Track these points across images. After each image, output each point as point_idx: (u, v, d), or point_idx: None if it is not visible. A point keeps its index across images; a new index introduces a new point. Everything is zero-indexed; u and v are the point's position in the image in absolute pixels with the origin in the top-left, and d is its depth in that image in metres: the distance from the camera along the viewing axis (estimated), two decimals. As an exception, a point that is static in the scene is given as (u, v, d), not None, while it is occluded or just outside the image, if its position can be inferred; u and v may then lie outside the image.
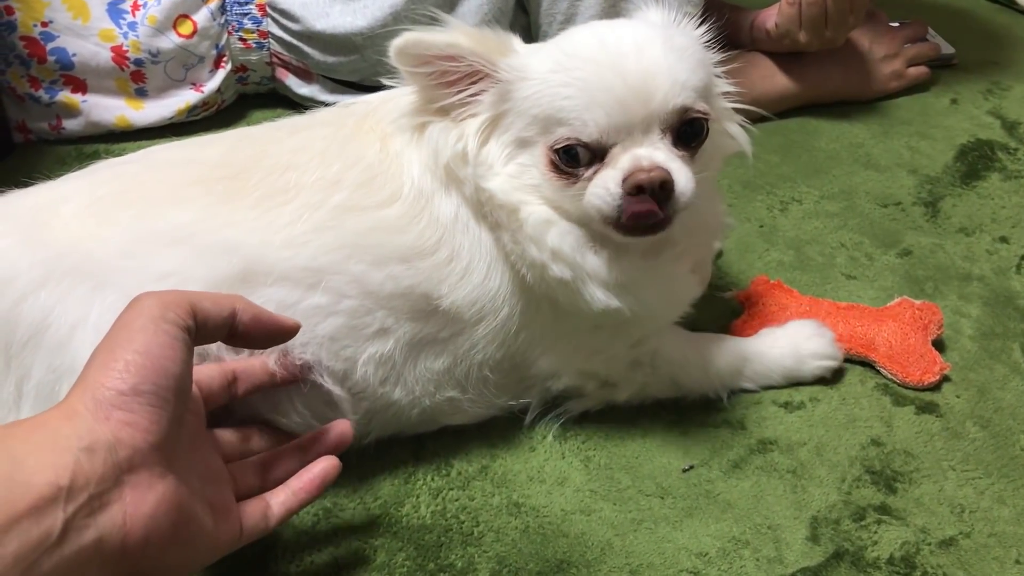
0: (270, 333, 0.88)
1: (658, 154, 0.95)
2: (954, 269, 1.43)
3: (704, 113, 0.98)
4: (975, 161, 1.71)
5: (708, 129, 1.00)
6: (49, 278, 0.93)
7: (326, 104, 1.65)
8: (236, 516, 0.86)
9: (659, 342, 1.14)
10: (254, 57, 1.69)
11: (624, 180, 0.94)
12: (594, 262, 1.00)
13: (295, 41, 1.66)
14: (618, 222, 0.96)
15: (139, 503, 0.73)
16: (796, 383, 1.21)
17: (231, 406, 0.96)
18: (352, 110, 1.13)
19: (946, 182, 1.65)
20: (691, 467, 1.11)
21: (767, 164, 1.67)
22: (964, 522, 1.05)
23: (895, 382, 1.22)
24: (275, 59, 1.70)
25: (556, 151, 0.96)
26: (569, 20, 1.61)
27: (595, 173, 0.97)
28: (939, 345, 1.27)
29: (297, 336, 0.93)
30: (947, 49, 2.00)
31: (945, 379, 1.22)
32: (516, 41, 1.02)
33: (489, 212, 1.01)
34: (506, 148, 0.99)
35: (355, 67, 1.67)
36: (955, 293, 1.38)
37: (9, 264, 0.94)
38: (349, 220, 0.99)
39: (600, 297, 1.00)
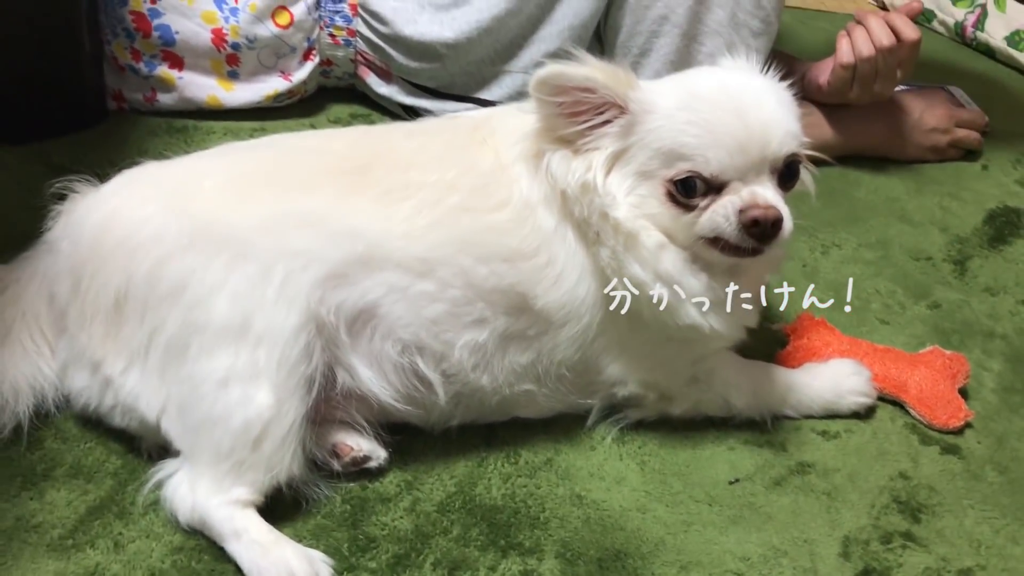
0: None
1: (770, 194, 1.07)
2: (979, 325, 1.54)
3: (801, 159, 1.09)
4: (1003, 226, 1.81)
5: (800, 174, 1.11)
6: (194, 243, 1.03)
7: (403, 105, 1.77)
8: None
9: (717, 362, 1.24)
10: (340, 53, 1.78)
11: (741, 211, 1.06)
12: (694, 284, 1.11)
13: (381, 43, 1.74)
14: (725, 243, 1.07)
15: None
16: (833, 415, 1.32)
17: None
18: (460, 122, 1.23)
19: (974, 243, 1.75)
20: (737, 480, 1.21)
21: (811, 208, 1.76)
22: (981, 555, 1.16)
23: (922, 423, 1.33)
24: (359, 57, 1.79)
25: (675, 182, 1.07)
26: (644, 55, 1.71)
27: (709, 205, 1.07)
28: (963, 394, 1.37)
29: (403, 316, 1.04)
30: (980, 116, 2.09)
31: (968, 425, 1.33)
32: (637, 79, 1.12)
33: (594, 231, 1.10)
34: (627, 179, 1.09)
35: (434, 74, 1.75)
36: (979, 348, 1.49)
37: (157, 227, 1.04)
38: (462, 219, 1.09)
39: (694, 314, 1.11)
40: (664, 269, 1.10)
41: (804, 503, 1.19)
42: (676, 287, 1.11)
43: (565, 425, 1.24)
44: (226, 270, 1.02)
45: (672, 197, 1.08)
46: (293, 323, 1.02)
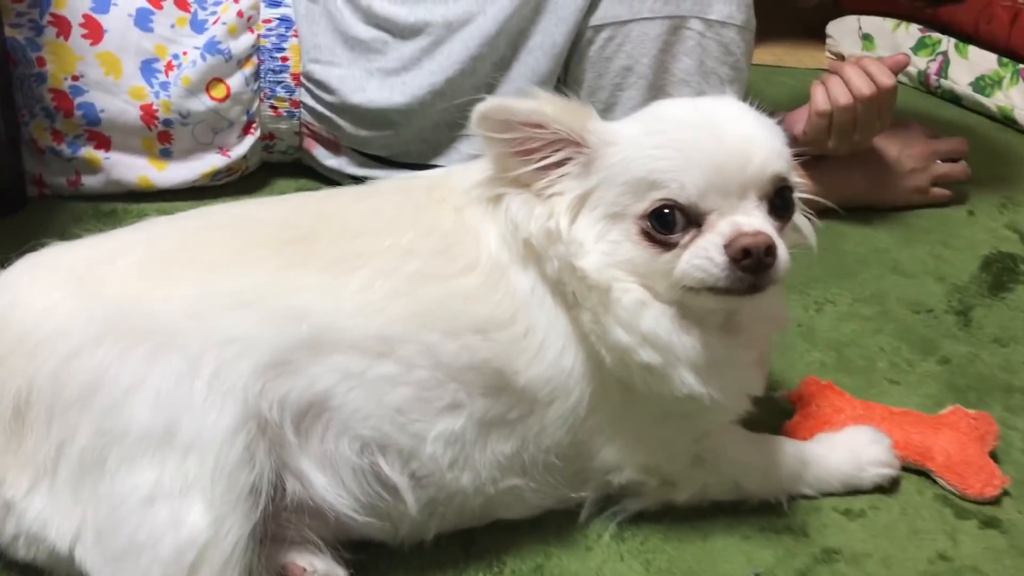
0: None
1: (757, 220, 0.93)
2: (995, 380, 1.42)
3: (793, 186, 0.97)
4: (1000, 272, 1.72)
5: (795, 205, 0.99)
6: (107, 335, 0.88)
7: (353, 177, 1.65)
8: None
9: (722, 438, 1.10)
10: (284, 126, 1.66)
11: (727, 245, 0.92)
12: (687, 343, 0.97)
13: (328, 112, 1.63)
14: (714, 287, 0.94)
15: None
16: (855, 491, 1.18)
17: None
18: (416, 182, 1.11)
19: (974, 291, 1.66)
20: (758, 575, 1.06)
21: (797, 264, 1.65)
22: (1045, 646, 1.01)
23: (954, 494, 1.19)
24: (305, 129, 1.67)
25: (649, 217, 0.94)
26: (609, 109, 1.60)
27: (691, 240, 0.94)
28: (993, 457, 1.24)
29: (361, 407, 0.90)
30: (960, 142, 2.00)
31: (1005, 493, 1.19)
32: (594, 112, 1.01)
33: (571, 291, 0.98)
34: (596, 224, 0.97)
35: (387, 142, 1.64)
36: (999, 404, 1.37)
37: (63, 318, 0.90)
38: (424, 288, 0.96)
39: (690, 381, 0.97)
40: (648, 328, 0.96)
41: (837, 598, 1.04)
42: (665, 349, 0.97)
43: (555, 524, 1.09)
44: (145, 365, 0.88)
45: (647, 235, 0.95)
46: (228, 423, 0.87)
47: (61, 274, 0.94)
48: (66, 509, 0.89)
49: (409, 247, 0.98)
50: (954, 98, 2.43)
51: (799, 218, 1.08)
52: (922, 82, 2.49)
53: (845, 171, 1.83)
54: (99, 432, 0.86)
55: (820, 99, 1.68)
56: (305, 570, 0.95)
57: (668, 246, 0.95)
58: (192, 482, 0.86)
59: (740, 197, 0.94)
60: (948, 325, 1.55)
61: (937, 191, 1.90)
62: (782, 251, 0.94)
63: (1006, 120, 2.35)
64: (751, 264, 0.93)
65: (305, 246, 0.97)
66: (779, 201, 0.97)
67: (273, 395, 0.90)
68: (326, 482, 0.93)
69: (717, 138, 0.94)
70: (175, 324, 0.89)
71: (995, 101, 2.34)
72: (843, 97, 1.66)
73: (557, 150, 0.97)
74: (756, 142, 0.95)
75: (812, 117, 1.71)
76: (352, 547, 0.99)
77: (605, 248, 0.97)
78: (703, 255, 0.93)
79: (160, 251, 0.97)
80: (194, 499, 0.86)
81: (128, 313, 0.89)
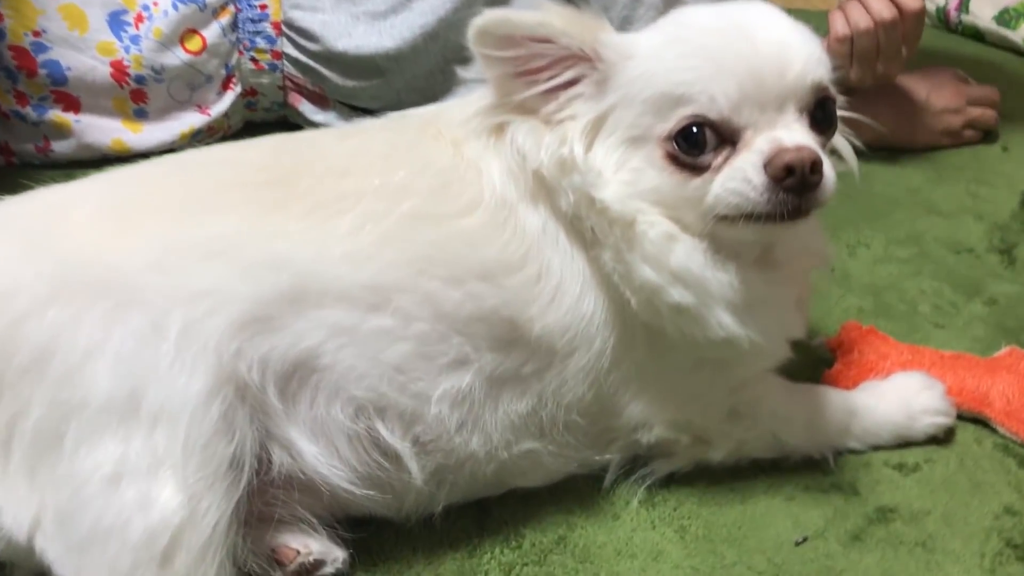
0: None
1: (798, 135, 0.83)
2: (1047, 320, 1.31)
3: (834, 97, 0.88)
4: (1043, 208, 1.61)
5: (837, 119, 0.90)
6: (59, 294, 0.78)
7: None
8: None
9: (760, 389, 1.00)
10: (266, 80, 1.55)
11: (767, 163, 0.82)
12: (722, 280, 0.87)
13: (312, 63, 1.53)
14: (752, 214, 0.84)
15: None
16: (907, 442, 1.07)
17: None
18: (408, 119, 1.00)
19: (1016, 229, 1.55)
20: (805, 539, 0.96)
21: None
22: None
23: (1015, 442, 1.08)
24: (288, 82, 1.57)
25: (675, 138, 0.84)
26: (624, 27, 1.48)
27: (724, 162, 0.84)
28: (1056, 400, 1.13)
29: (354, 366, 0.81)
30: (992, 91, 1.91)
31: (1072, 438, 1.08)
32: (608, 24, 0.90)
33: (589, 227, 0.87)
34: (615, 150, 0.87)
35: (377, 93, 1.54)
36: (1054, 345, 1.25)
37: (10, 277, 0.80)
38: (420, 231, 0.85)
39: (727, 322, 0.87)
40: (679, 264, 0.86)
41: (895, 561, 0.94)
42: (698, 287, 0.86)
43: (577, 491, 0.99)
44: (104, 326, 0.77)
45: (674, 159, 0.85)
46: (200, 389, 0.77)
47: (7, 229, 0.84)
48: (22, 494, 0.79)
49: (402, 186, 0.87)
50: (977, 34, 2.33)
51: (837, 139, 0.97)
52: (941, 20, 2.39)
53: (870, 109, 1.71)
54: (54, 404, 0.77)
55: (839, 24, 1.58)
56: (299, 552, 0.85)
57: (698, 170, 0.85)
58: (162, 457, 0.76)
59: (778, 109, 0.84)
60: (992, 264, 1.45)
61: (969, 133, 1.81)
62: (828, 169, 0.84)
63: (1038, 54, 2.24)
64: (795, 184, 0.82)
65: (285, 188, 0.87)
66: (820, 114, 0.87)
67: (252, 355, 0.80)
68: (318, 452, 0.83)
69: (750, 42, 0.84)
70: (137, 279, 0.79)
71: (1021, 34, 2.23)
72: (863, 21, 1.56)
73: (567, 68, 0.87)
74: (794, 46, 0.85)
75: (832, 44, 1.60)
76: (351, 524, 0.90)
77: (626, 177, 0.86)
78: (739, 176, 0.83)
79: (120, 199, 0.86)
80: (165, 477, 0.76)
81: (83, 268, 0.79)
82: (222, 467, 0.77)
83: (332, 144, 0.94)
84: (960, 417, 1.10)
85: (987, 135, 1.82)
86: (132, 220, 0.83)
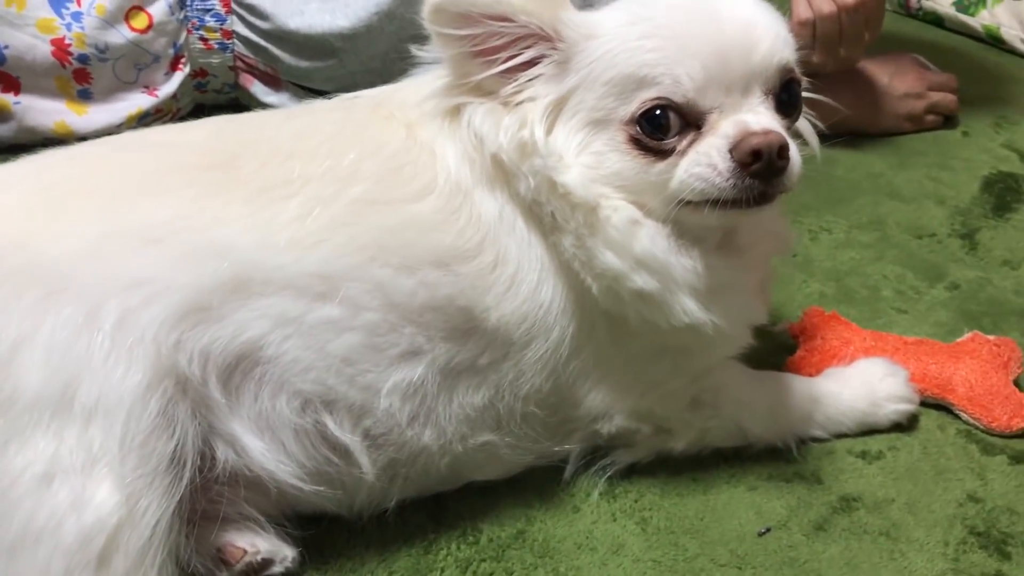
0: None
1: (765, 118, 0.81)
2: (1009, 304, 1.32)
3: (800, 80, 0.86)
4: (1003, 193, 1.61)
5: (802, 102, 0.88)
6: None
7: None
8: None
9: (722, 377, 0.98)
10: (216, 60, 1.50)
11: (733, 148, 0.80)
12: (686, 266, 0.85)
13: (263, 42, 1.48)
14: (718, 200, 0.82)
15: None
16: (870, 430, 1.06)
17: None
18: (358, 100, 0.96)
19: (977, 214, 1.55)
20: (768, 530, 0.94)
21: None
22: (1096, 592, 0.89)
23: (979, 428, 1.08)
24: (240, 63, 1.52)
25: (639, 121, 0.81)
26: (587, 4, 1.45)
27: (689, 146, 0.81)
28: (1018, 385, 1.13)
29: (300, 357, 0.78)
30: (951, 78, 1.91)
31: (1034, 424, 1.07)
32: (568, 1, 0.87)
33: (548, 212, 0.84)
34: (576, 133, 0.84)
35: (331, 74, 1.49)
36: (1016, 329, 1.26)
37: None
38: (370, 216, 0.82)
39: (691, 307, 0.85)
40: (642, 250, 0.84)
41: (859, 550, 0.93)
42: (662, 273, 0.84)
43: (536, 483, 0.96)
44: (34, 316, 0.73)
45: (637, 143, 0.82)
46: (137, 382, 0.73)
47: (-70, 215, 0.78)
48: (-52, 496, 0.74)
49: (352, 169, 0.84)
50: (936, 20, 2.33)
51: (801, 122, 0.95)
52: (902, 5, 2.39)
53: (833, 92, 1.69)
54: None
55: (802, 8, 1.56)
56: (246, 551, 0.82)
57: (662, 154, 0.82)
58: (97, 455, 0.72)
59: (744, 92, 0.82)
60: (953, 249, 1.45)
61: (931, 118, 1.80)
62: (794, 153, 0.82)
63: (992, 40, 2.25)
64: (761, 168, 0.80)
65: (227, 172, 0.83)
66: (785, 96, 0.85)
67: (192, 347, 0.76)
68: (264, 447, 0.79)
69: (715, 23, 0.81)
70: (69, 266, 0.75)
71: (980, 20, 2.24)
72: (826, 6, 1.55)
73: (526, 47, 0.84)
74: (760, 26, 0.82)
75: (794, 28, 1.57)
76: (301, 522, 0.87)
77: (588, 161, 0.84)
78: (704, 162, 0.80)
79: (52, 182, 0.82)
80: (101, 475, 0.72)
81: (11, 256, 0.75)
82: (162, 464, 0.74)
83: (278, 125, 0.90)
84: (923, 403, 1.10)
85: (948, 120, 1.82)
86: (64, 205, 0.78)
